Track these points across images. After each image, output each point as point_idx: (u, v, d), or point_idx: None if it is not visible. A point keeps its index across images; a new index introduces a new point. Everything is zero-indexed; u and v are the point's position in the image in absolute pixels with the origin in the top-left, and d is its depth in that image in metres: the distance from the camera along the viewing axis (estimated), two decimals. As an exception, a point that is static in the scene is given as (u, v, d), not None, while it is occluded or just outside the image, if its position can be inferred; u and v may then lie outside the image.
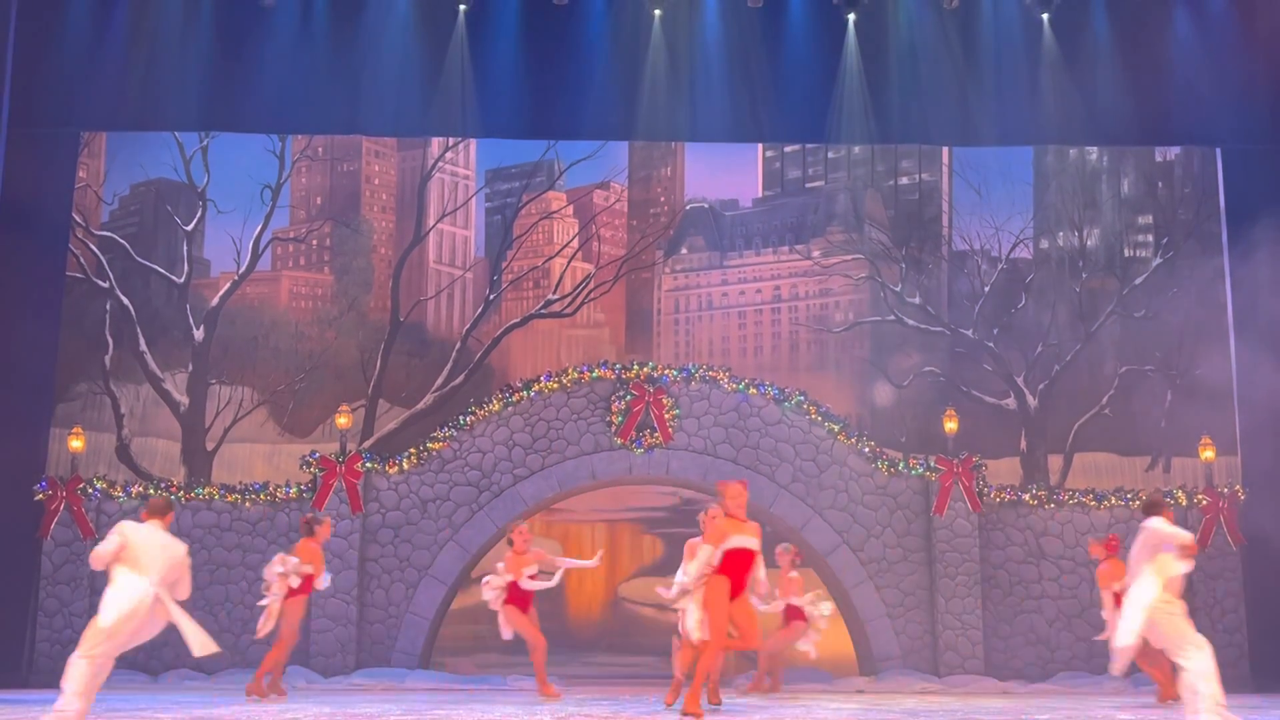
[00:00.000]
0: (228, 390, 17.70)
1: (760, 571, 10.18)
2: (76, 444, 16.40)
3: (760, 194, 18.87)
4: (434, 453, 16.40)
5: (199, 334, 17.82)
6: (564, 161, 18.56)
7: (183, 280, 17.98)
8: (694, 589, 10.11)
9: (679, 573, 11.11)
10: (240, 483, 16.48)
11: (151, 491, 16.18)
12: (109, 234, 17.97)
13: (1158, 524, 8.61)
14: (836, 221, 18.55)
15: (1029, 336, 18.13)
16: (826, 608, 14.07)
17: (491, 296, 18.28)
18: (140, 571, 8.51)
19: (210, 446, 17.52)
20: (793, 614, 13.93)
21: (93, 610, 15.53)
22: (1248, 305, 17.10)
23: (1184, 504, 16.41)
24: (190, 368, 17.72)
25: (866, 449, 16.59)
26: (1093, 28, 17.48)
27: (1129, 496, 16.54)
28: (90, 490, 16.02)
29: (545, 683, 12.40)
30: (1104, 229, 18.51)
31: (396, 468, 16.30)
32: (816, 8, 17.54)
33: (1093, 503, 16.50)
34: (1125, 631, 8.43)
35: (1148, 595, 8.38)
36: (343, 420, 16.61)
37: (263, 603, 12.89)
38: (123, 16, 17.00)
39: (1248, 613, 16.10)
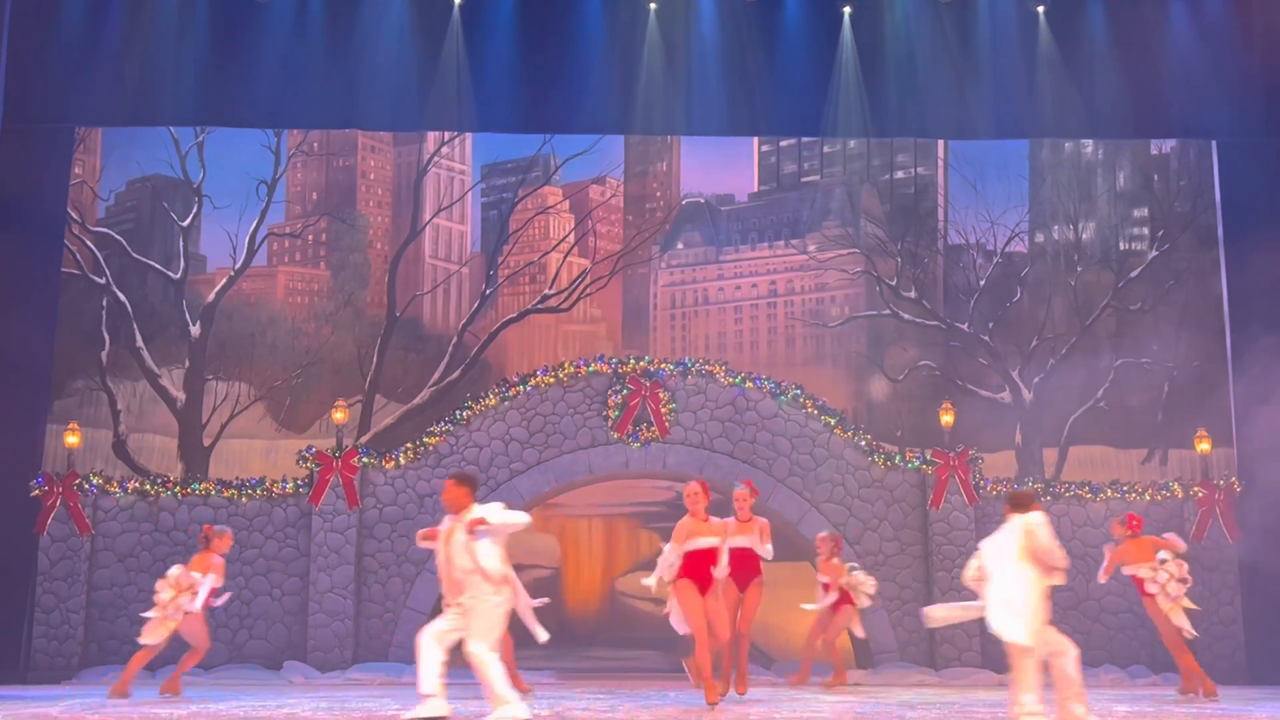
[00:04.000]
0: (224, 386, 17.70)
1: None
2: (73, 440, 16.40)
3: (756, 189, 18.88)
4: (431, 448, 16.41)
5: (195, 330, 17.82)
6: (560, 156, 18.56)
7: (179, 276, 17.98)
8: None
9: None
10: (237, 478, 16.47)
11: (148, 488, 16.20)
12: (105, 230, 17.97)
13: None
14: (832, 216, 18.57)
15: (1024, 330, 18.16)
16: (869, 583, 14.26)
17: (488, 291, 18.28)
18: None
19: (207, 442, 17.52)
20: (840, 599, 14.11)
21: (90, 605, 15.68)
22: (1243, 298, 17.12)
23: (1180, 496, 16.44)
24: (187, 364, 17.72)
25: (863, 442, 16.61)
26: (1088, 20, 17.46)
27: (1125, 489, 16.57)
28: (87, 486, 16.01)
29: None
30: (1099, 222, 18.54)
31: (393, 463, 16.30)
32: (812, 1, 17.53)
33: (1089, 495, 16.53)
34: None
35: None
36: (339, 415, 16.61)
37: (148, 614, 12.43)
38: (118, 11, 16.97)
39: (1244, 604, 16.13)
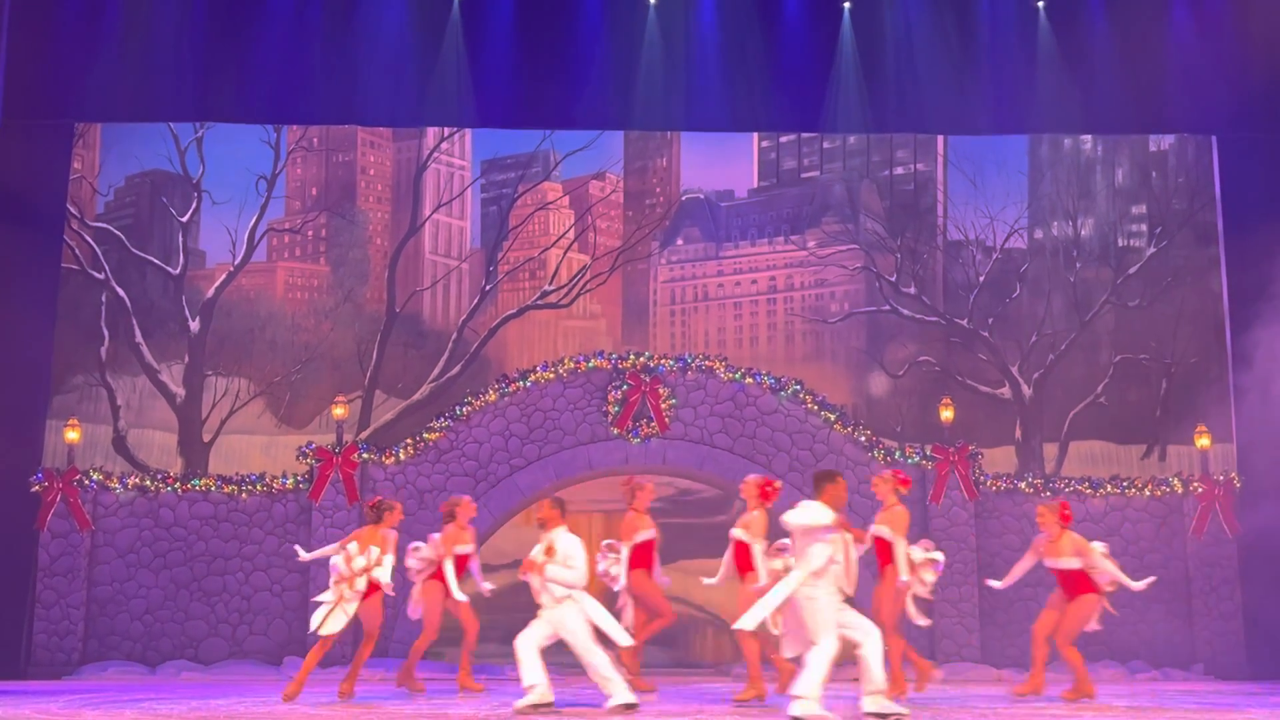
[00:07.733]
0: (224, 382, 17.71)
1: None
2: (73, 436, 16.38)
3: (756, 185, 18.89)
4: (430, 443, 16.40)
5: (195, 325, 17.81)
6: (559, 152, 18.57)
7: (178, 272, 17.98)
8: None
9: None
10: (237, 474, 16.46)
11: (148, 484, 16.18)
12: (104, 225, 17.96)
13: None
14: (832, 212, 18.58)
15: (1024, 326, 18.19)
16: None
17: (488, 287, 18.28)
18: None
19: (207, 438, 17.53)
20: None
21: (90, 601, 15.68)
22: (1243, 293, 17.12)
23: (1180, 492, 16.46)
24: (186, 359, 17.72)
25: (863, 438, 16.62)
26: (1088, 16, 17.43)
27: (1125, 484, 16.59)
28: (87, 482, 15.99)
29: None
30: (1098, 219, 18.57)
31: (393, 458, 16.30)
32: (812, -3, 17.53)
33: (1088, 490, 16.54)
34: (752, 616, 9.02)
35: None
36: (339, 411, 16.59)
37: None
38: (117, 7, 16.91)
39: (1243, 600, 16.15)
